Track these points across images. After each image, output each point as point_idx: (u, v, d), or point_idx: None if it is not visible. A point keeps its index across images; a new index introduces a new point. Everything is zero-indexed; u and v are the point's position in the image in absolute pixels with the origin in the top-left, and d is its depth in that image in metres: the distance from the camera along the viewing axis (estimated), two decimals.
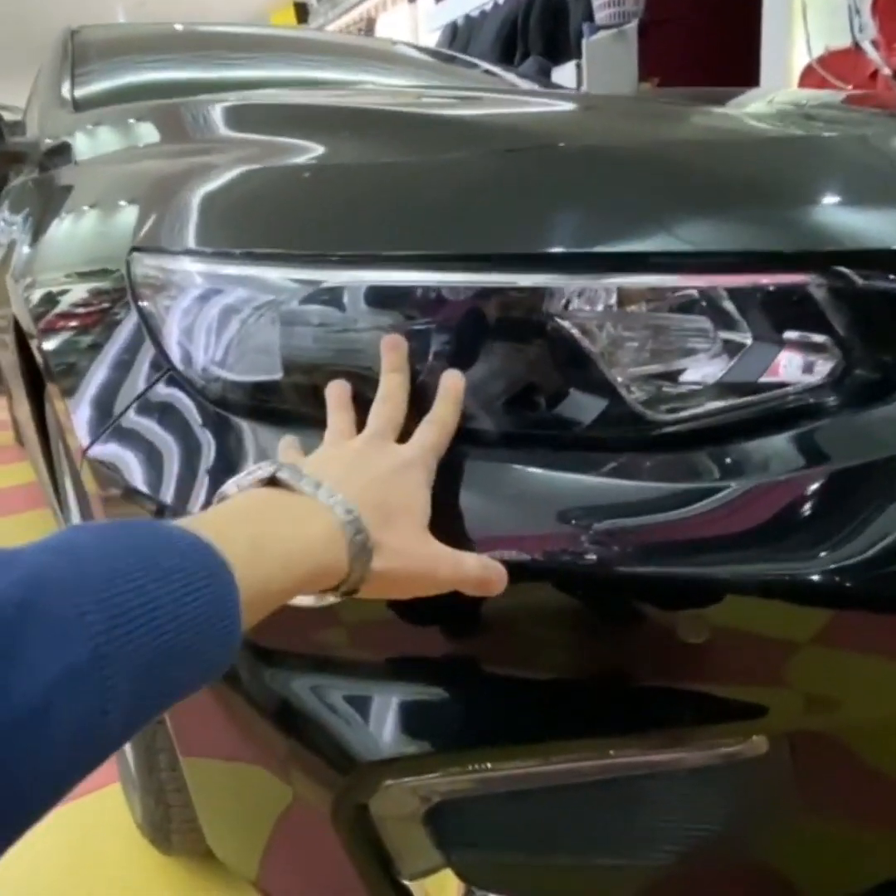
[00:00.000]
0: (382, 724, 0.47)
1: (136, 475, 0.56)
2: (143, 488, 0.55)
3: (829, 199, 0.51)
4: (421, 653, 0.49)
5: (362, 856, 0.51)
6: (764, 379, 0.48)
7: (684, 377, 0.49)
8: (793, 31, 3.63)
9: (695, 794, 0.49)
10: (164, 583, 0.30)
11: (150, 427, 0.58)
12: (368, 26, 5.97)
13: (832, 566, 0.43)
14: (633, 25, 4.03)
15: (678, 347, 0.49)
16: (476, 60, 2.41)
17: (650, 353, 0.49)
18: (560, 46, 4.25)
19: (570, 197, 0.52)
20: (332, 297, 0.51)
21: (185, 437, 0.55)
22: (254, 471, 0.42)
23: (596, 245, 0.49)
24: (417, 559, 0.43)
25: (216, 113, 0.88)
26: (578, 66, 4.09)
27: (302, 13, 6.70)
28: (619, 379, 0.48)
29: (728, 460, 0.47)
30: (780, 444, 0.47)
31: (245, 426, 0.53)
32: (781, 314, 0.48)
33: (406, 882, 0.51)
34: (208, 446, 0.54)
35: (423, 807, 0.49)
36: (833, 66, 3.51)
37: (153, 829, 0.84)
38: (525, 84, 2.13)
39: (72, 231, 0.84)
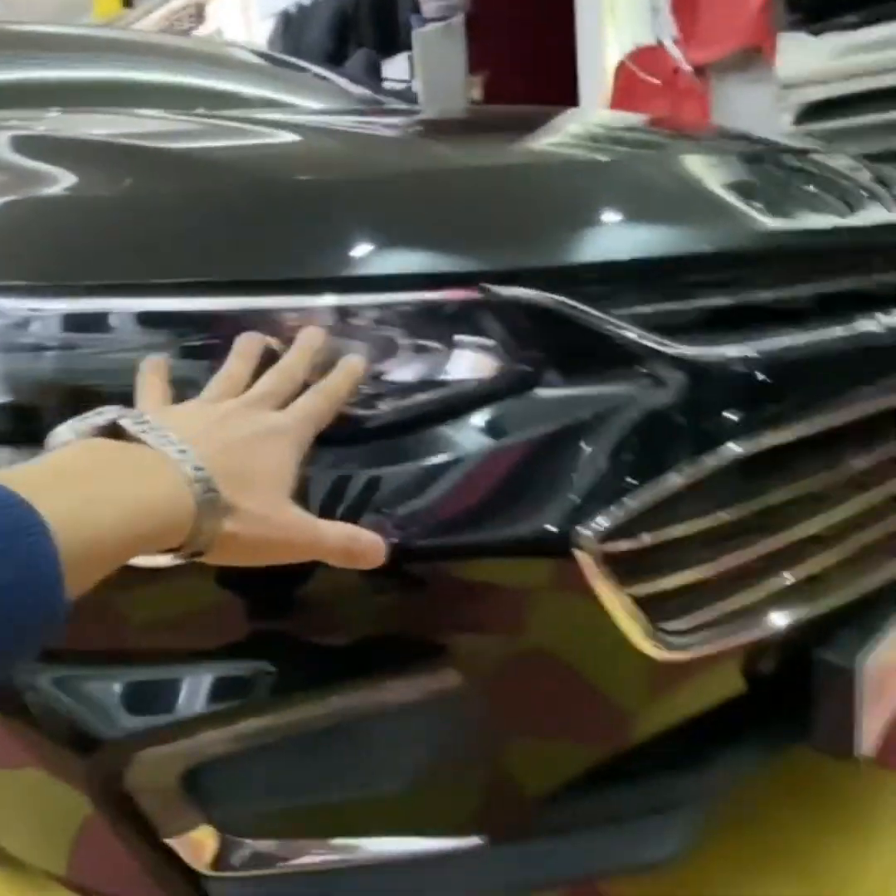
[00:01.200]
0: (120, 702, 0.54)
1: None
2: None
3: (505, 225, 0.61)
4: (147, 630, 0.55)
5: (127, 828, 0.58)
6: (448, 377, 0.58)
7: (387, 378, 0.57)
8: (605, 27, 3.86)
9: (411, 727, 0.58)
10: None
11: None
12: (198, 12, 5.79)
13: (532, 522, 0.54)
14: (459, 18, 4.15)
15: (380, 354, 0.57)
16: (306, 65, 2.42)
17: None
18: (392, 38, 4.31)
19: (283, 226, 0.59)
20: (84, 322, 0.56)
21: None
22: (91, 416, 0.39)
23: (304, 270, 0.56)
24: (273, 526, 0.41)
25: None
26: (410, 59, 4.17)
27: None
28: None
29: (427, 442, 0.56)
30: (463, 428, 0.57)
31: None
32: (454, 323, 0.57)
33: (168, 841, 0.58)
34: None
35: (173, 772, 0.56)
36: (642, 62, 3.77)
37: None
38: (355, 89, 2.17)
39: None
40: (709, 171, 0.72)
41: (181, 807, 0.57)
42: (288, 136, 0.80)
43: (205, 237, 0.59)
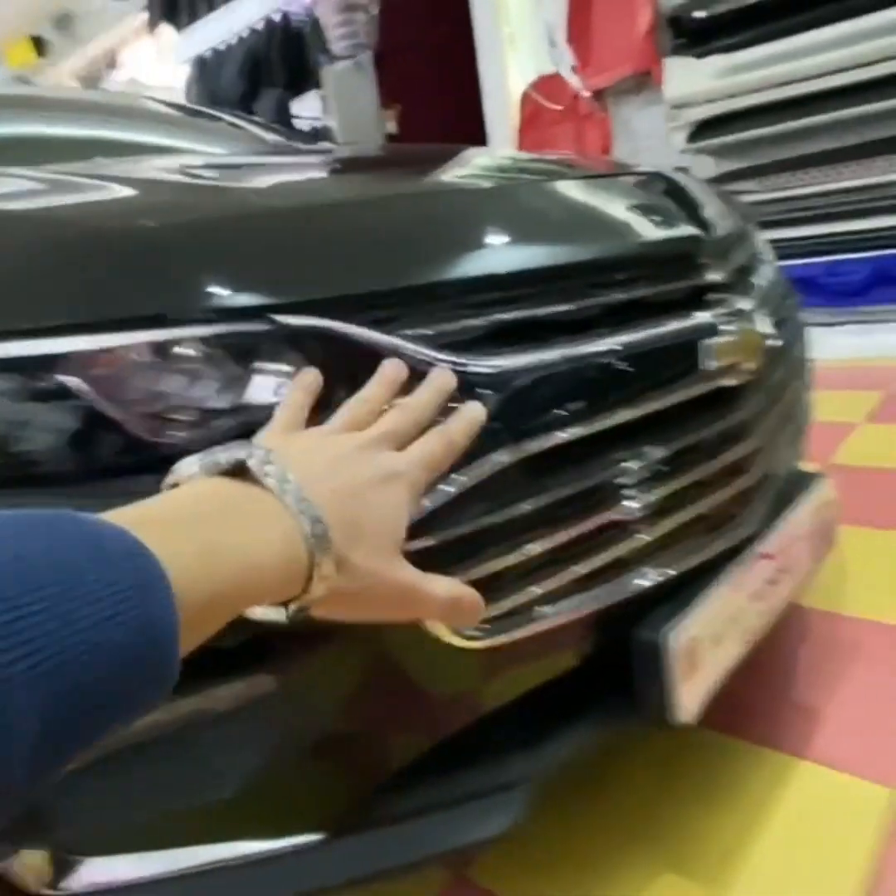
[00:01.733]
0: None
1: None
2: None
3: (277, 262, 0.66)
4: None
5: None
6: (245, 402, 0.62)
7: (194, 406, 0.61)
8: (506, 58, 4.01)
9: (235, 733, 0.62)
10: (85, 601, 0.25)
11: None
12: (112, 59, 5.82)
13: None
14: (367, 56, 4.27)
15: (186, 384, 0.62)
16: (219, 113, 2.47)
17: (155, 394, 0.61)
18: (302, 77, 4.41)
19: (87, 271, 0.63)
20: None
21: None
22: (219, 451, 0.37)
23: (108, 311, 0.61)
24: (383, 581, 0.39)
25: None
26: (322, 97, 4.27)
27: (39, 47, 6.39)
28: (129, 418, 0.60)
29: None
30: None
31: None
32: (252, 353, 0.62)
33: None
34: None
35: None
36: (544, 91, 3.93)
37: None
38: (268, 135, 2.22)
39: None
40: (493, 201, 0.80)
41: (11, 830, 0.60)
42: (114, 190, 0.84)
43: (17, 287, 0.63)
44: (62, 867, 0.61)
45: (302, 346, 0.62)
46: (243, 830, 0.65)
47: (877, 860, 0.81)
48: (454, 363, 0.64)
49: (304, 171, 1.11)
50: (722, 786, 0.93)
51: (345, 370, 0.63)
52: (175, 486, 0.38)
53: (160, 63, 5.55)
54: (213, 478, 0.37)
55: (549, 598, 0.68)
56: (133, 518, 0.30)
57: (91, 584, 0.26)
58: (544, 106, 3.94)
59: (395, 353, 0.62)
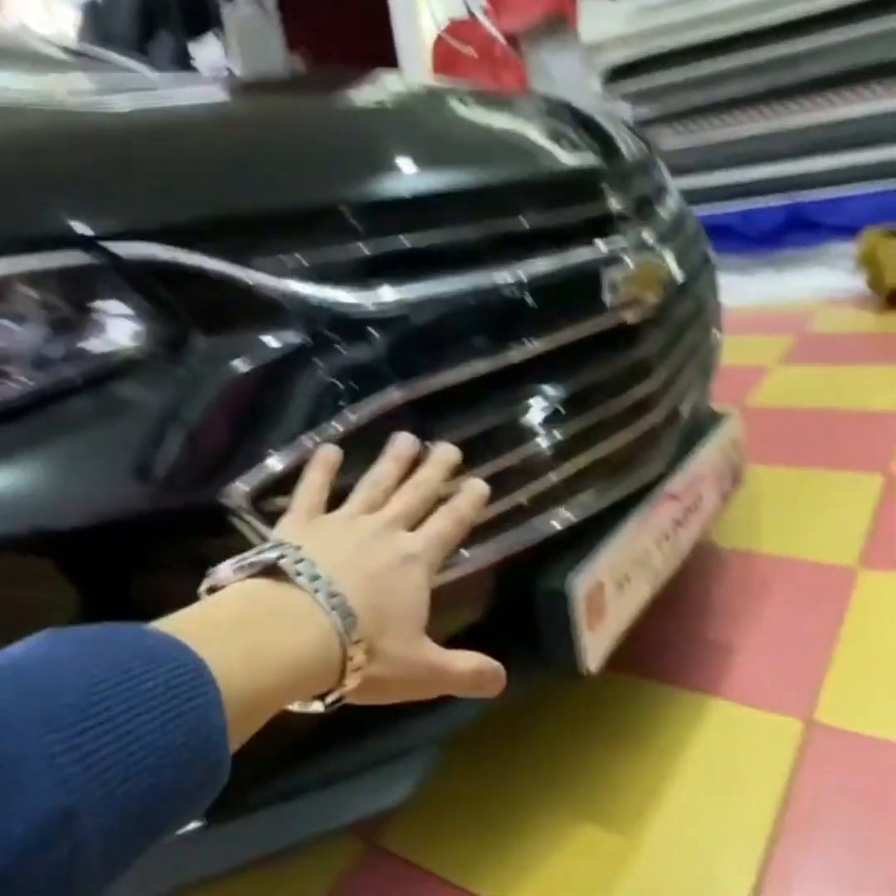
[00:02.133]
0: None
1: None
2: None
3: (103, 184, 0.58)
4: None
5: None
6: (85, 347, 0.54)
7: (7, 356, 0.53)
8: (418, 1, 3.86)
9: None
10: (145, 710, 0.27)
11: None
12: None
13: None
14: None
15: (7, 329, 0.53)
16: (106, 55, 2.27)
17: None
18: (201, 19, 4.14)
19: None
20: None
21: None
22: (251, 556, 0.38)
23: None
24: (411, 667, 0.41)
25: None
26: (223, 40, 4.03)
27: None
28: None
29: (56, 420, 0.53)
30: (118, 398, 0.54)
31: None
32: (81, 290, 0.54)
33: None
34: None
35: None
36: (457, 34, 3.80)
37: None
38: (152, 75, 2.05)
39: None
40: (374, 118, 0.72)
41: None
42: None
43: None
44: None
45: (143, 281, 0.54)
46: None
47: (791, 790, 0.81)
48: (329, 299, 0.58)
49: (170, 96, 1.00)
50: (635, 729, 0.92)
51: (198, 309, 0.56)
52: (212, 589, 0.39)
53: (49, 8, 5.14)
54: (248, 581, 0.38)
55: None
56: (178, 625, 0.32)
57: (149, 689, 0.27)
58: (459, 50, 3.81)
59: (257, 287, 0.55)
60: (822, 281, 2.83)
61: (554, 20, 3.49)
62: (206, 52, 4.03)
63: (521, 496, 0.68)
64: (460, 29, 3.78)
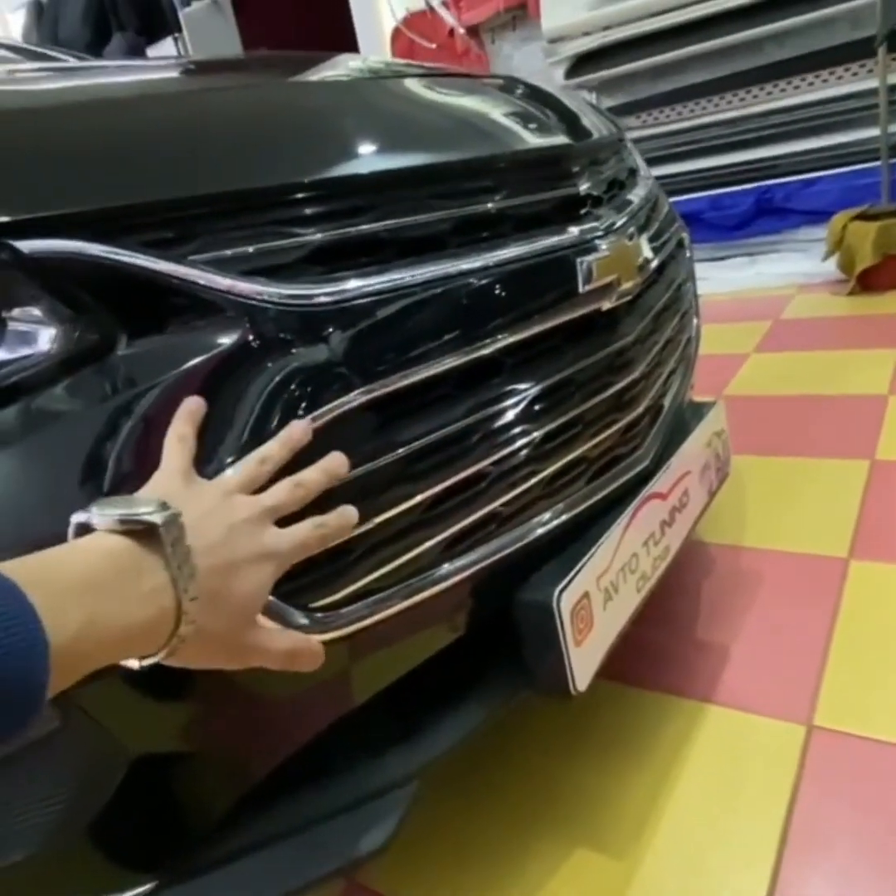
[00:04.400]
0: None
1: None
2: None
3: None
4: None
5: None
6: None
7: None
8: None
9: (17, 784, 0.49)
10: None
11: None
12: None
13: None
14: None
15: None
16: (55, 53, 2.18)
17: None
18: (157, 21, 4.04)
19: None
20: None
21: None
22: (134, 514, 0.39)
23: None
24: (231, 647, 0.44)
25: None
26: (176, 40, 3.93)
27: None
28: None
29: None
30: (33, 409, 0.47)
31: None
32: None
33: None
34: None
35: None
36: (417, 27, 3.73)
37: None
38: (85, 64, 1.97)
39: None
40: (324, 95, 0.66)
41: None
42: None
43: None
44: None
45: (54, 281, 0.48)
46: (58, 890, 0.53)
47: (795, 799, 0.76)
48: (274, 293, 0.52)
49: (95, 79, 0.93)
50: (628, 741, 0.87)
51: (129, 309, 0.49)
52: (83, 526, 0.41)
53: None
54: (115, 538, 0.39)
55: (418, 566, 0.57)
56: (29, 571, 0.34)
57: None
58: (418, 43, 3.75)
59: (186, 283, 0.49)
60: (795, 266, 2.81)
61: (514, 10, 3.44)
62: (162, 53, 3.93)
63: (497, 501, 0.63)
64: (419, 22, 3.72)
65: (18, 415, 0.47)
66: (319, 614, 0.52)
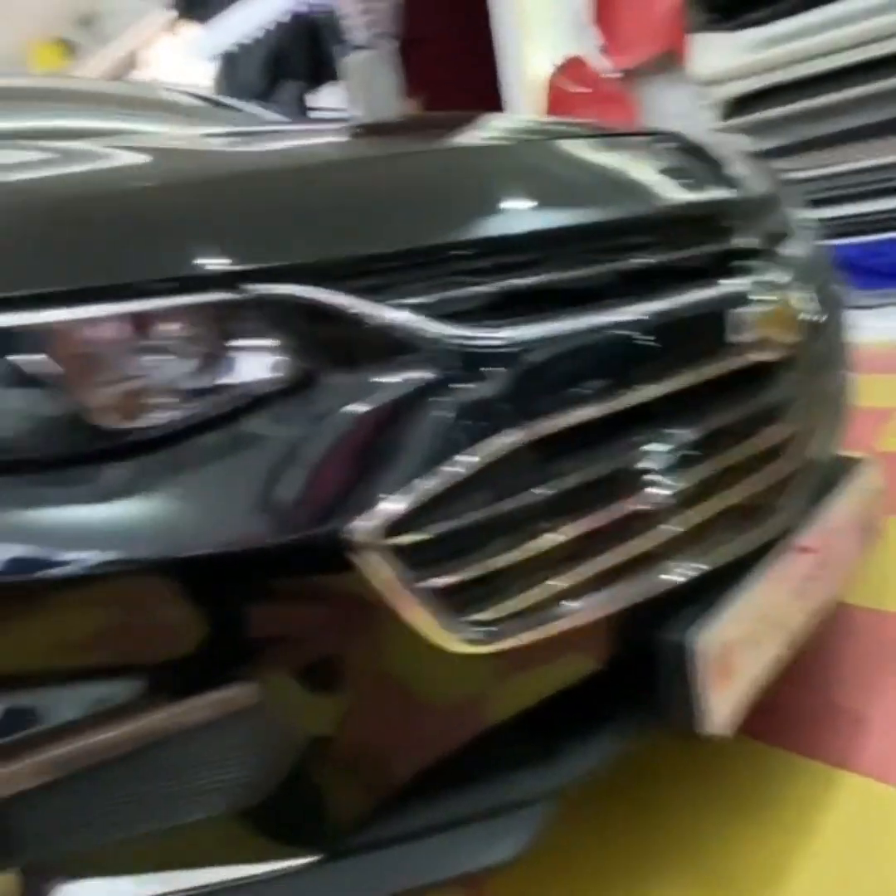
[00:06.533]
0: None
1: None
2: None
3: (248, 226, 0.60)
4: None
5: None
6: (224, 381, 0.56)
7: (152, 389, 0.56)
8: (523, 43, 3.92)
9: (214, 748, 0.56)
10: None
11: None
12: (132, 63, 5.84)
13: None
14: (389, 44, 4.20)
15: (142, 365, 0.56)
16: (234, 103, 2.42)
17: (118, 374, 0.56)
18: (322, 69, 4.36)
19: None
20: None
21: None
22: None
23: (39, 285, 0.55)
24: None
25: None
26: (344, 88, 4.21)
27: (68, 48, 6.44)
28: (87, 400, 0.54)
29: (199, 452, 0.55)
30: (233, 434, 0.55)
31: None
32: (224, 326, 0.56)
33: None
34: None
35: None
36: (570, 74, 3.83)
37: None
38: (271, 117, 2.18)
39: None
40: (503, 158, 0.73)
41: None
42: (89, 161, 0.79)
43: None
44: (33, 892, 0.56)
45: (283, 319, 0.56)
46: (229, 853, 0.60)
47: None
48: (457, 335, 0.58)
49: (301, 139, 1.05)
50: (763, 798, 0.85)
51: (333, 345, 0.57)
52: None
53: (185, 61, 5.55)
54: None
55: (565, 595, 0.61)
56: None
57: None
58: (569, 90, 3.84)
59: (388, 325, 0.56)
60: None
61: (664, 56, 3.46)
62: (324, 99, 4.23)
63: (641, 544, 0.65)
64: (572, 68, 3.81)
65: (235, 432, 0.55)
66: (480, 628, 0.57)
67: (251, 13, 4.59)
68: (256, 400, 0.56)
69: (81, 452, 0.54)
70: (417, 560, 0.55)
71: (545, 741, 0.67)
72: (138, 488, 0.53)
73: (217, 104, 2.42)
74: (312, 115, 4.06)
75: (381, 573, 0.53)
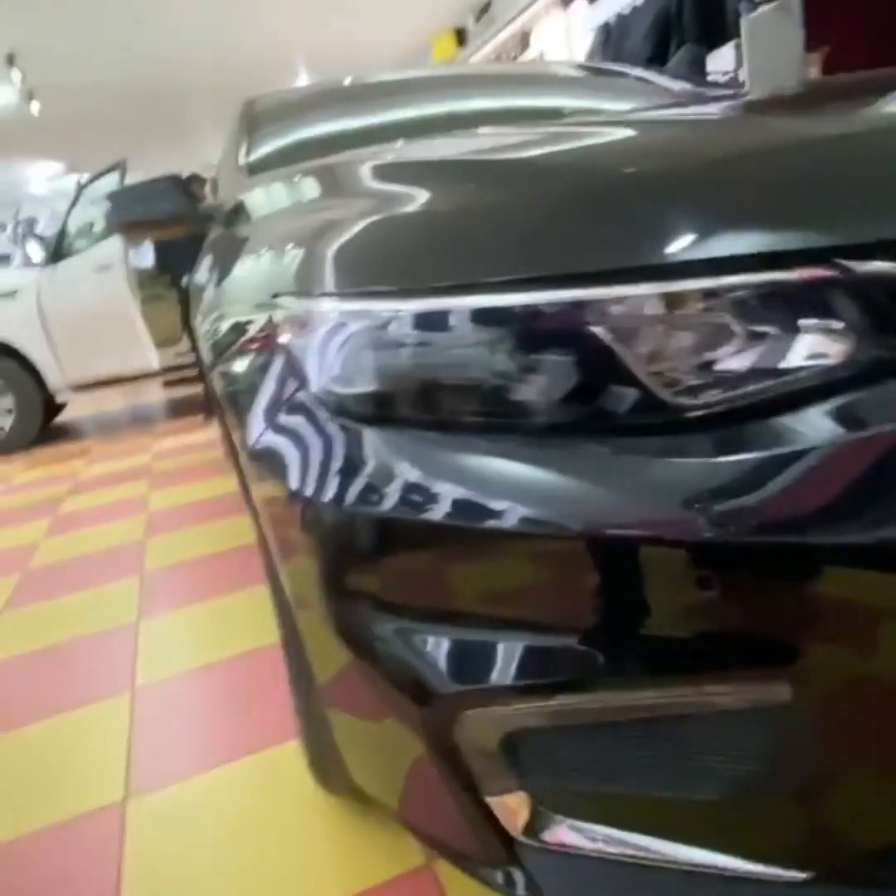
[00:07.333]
0: (449, 661, 0.58)
1: (281, 465, 0.71)
2: (286, 476, 0.70)
3: (834, 197, 0.56)
4: (502, 610, 0.58)
5: (453, 779, 0.63)
6: (786, 364, 0.54)
7: (719, 367, 0.55)
8: None
9: (732, 735, 0.55)
10: None
11: (291, 431, 0.72)
12: (523, 40, 6.11)
13: None
14: None
15: (707, 341, 0.55)
16: (625, 69, 2.41)
17: (683, 349, 0.56)
18: (716, 30, 4.12)
19: (604, 218, 0.60)
20: (429, 320, 0.62)
21: (313, 440, 0.69)
22: None
23: (630, 260, 0.57)
24: None
25: (356, 171, 1.01)
26: (737, 47, 3.94)
27: (461, 37, 6.98)
28: (652, 373, 0.55)
29: (763, 435, 0.53)
30: (803, 420, 0.52)
31: (360, 430, 0.66)
32: (796, 306, 0.53)
33: (488, 799, 0.62)
34: (330, 446, 0.67)
35: (498, 735, 0.60)
36: None
37: (316, 771, 1.01)
38: (676, 85, 2.13)
39: (237, 281, 1.04)
40: None
41: (500, 770, 0.61)
42: (608, 135, 0.80)
43: (530, 236, 0.61)
44: (539, 819, 0.61)
45: (866, 298, 0.51)
46: (717, 840, 0.59)
47: None
48: None
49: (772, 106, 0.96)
50: None
51: None
52: None
53: (567, 38, 5.66)
54: None
55: None
56: None
57: None
58: None
59: None
60: None
61: None
62: (717, 61, 3.99)
63: None
64: None
65: (792, 420, 0.52)
66: None
67: None
68: (824, 387, 0.52)
69: (621, 421, 0.56)
70: None
71: None
72: (706, 465, 0.53)
73: (609, 73, 2.42)
74: (715, 80, 3.86)
75: None
